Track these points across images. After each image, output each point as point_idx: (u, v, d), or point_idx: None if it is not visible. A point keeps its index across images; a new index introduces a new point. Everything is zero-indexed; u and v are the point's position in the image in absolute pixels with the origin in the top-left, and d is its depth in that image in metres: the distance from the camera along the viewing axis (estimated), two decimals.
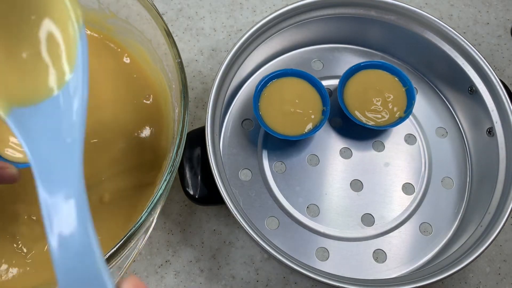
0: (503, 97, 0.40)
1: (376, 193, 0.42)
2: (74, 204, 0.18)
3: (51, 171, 0.19)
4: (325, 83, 0.46)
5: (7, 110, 0.19)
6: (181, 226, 0.42)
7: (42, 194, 0.18)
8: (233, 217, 0.35)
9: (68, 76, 0.21)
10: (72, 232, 0.18)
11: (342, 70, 0.45)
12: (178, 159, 0.33)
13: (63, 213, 0.18)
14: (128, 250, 0.31)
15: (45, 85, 0.20)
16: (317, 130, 0.41)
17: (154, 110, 0.40)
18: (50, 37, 0.21)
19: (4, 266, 0.34)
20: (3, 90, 0.20)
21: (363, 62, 0.45)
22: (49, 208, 0.18)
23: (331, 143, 0.44)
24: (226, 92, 0.42)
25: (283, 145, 0.43)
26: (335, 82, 0.45)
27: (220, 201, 0.35)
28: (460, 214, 0.42)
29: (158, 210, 0.33)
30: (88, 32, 0.42)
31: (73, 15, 0.21)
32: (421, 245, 0.40)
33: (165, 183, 0.31)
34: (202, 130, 0.38)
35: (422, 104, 0.46)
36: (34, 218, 0.36)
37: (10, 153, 0.32)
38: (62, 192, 0.18)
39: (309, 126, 0.42)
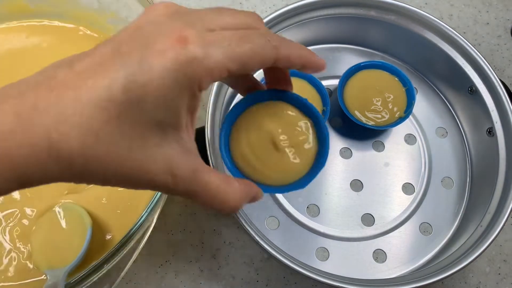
0: (503, 97, 0.40)
1: (376, 193, 0.42)
2: None
3: None
4: (325, 83, 0.46)
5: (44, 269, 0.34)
6: (181, 226, 0.42)
7: None
8: (233, 217, 0.35)
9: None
10: None
11: (342, 70, 0.45)
12: None
13: None
14: (128, 250, 0.31)
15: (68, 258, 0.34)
16: None
17: None
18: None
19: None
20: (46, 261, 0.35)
21: (363, 62, 0.45)
22: None
23: (331, 143, 0.44)
24: (226, 92, 0.42)
25: None
26: (335, 82, 0.45)
27: None
28: (460, 214, 0.42)
29: (158, 210, 0.33)
30: (88, 32, 0.42)
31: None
32: (421, 245, 0.40)
33: None
34: (202, 130, 0.38)
35: (422, 104, 0.46)
36: None
37: None
38: None
39: None
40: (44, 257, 0.35)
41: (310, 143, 0.27)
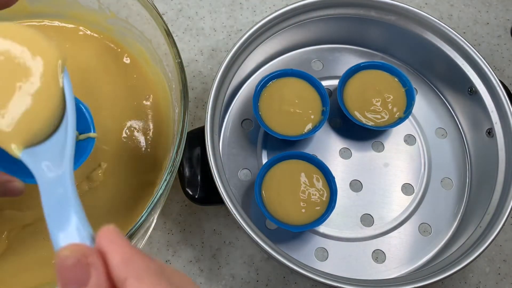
0: (503, 98, 0.40)
1: (375, 193, 0.42)
2: (70, 216, 0.22)
3: (52, 189, 0.23)
4: (325, 83, 0.46)
5: (19, 151, 0.24)
6: (181, 226, 0.42)
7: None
8: (233, 217, 0.35)
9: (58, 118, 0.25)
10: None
11: (342, 70, 0.45)
12: (178, 159, 0.33)
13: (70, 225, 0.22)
14: None
15: (45, 128, 0.25)
16: (317, 130, 0.41)
17: (154, 110, 0.40)
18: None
19: None
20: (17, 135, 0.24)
21: (363, 63, 0.45)
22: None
23: (331, 144, 0.44)
24: (226, 92, 0.42)
25: (283, 145, 0.43)
26: (335, 82, 0.45)
27: (220, 201, 0.35)
28: (459, 215, 0.42)
29: (158, 210, 0.34)
30: (88, 32, 0.42)
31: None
32: (421, 246, 0.40)
33: (165, 183, 0.31)
34: (202, 130, 0.38)
35: (421, 105, 0.46)
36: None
37: None
38: (61, 208, 0.22)
39: (309, 126, 0.42)
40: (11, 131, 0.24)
41: (323, 196, 0.39)
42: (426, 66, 0.46)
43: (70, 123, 0.25)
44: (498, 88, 0.41)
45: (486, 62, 0.41)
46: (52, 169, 0.23)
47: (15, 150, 0.24)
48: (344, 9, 0.45)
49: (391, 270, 0.39)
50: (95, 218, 0.36)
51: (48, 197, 0.22)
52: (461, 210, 0.42)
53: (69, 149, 0.24)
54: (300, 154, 0.40)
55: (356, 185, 0.42)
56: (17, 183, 0.29)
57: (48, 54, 0.25)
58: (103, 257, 0.19)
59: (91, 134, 0.31)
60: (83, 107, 0.30)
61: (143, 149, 0.39)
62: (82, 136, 0.30)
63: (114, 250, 0.19)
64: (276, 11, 0.42)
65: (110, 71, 0.40)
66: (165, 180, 0.31)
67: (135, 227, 0.30)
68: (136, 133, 0.39)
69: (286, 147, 0.43)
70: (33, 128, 0.24)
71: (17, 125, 0.23)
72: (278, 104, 0.42)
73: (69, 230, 0.21)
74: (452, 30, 0.42)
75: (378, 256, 0.40)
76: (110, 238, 0.20)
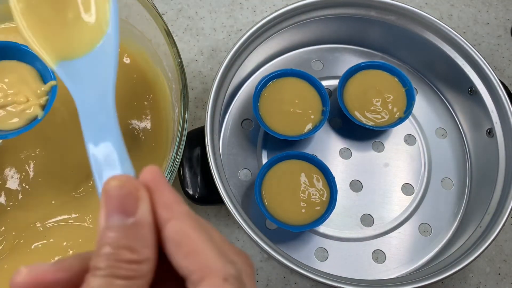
0: (503, 98, 0.40)
1: (375, 193, 0.42)
2: (112, 146, 0.21)
3: (93, 115, 0.22)
4: (325, 83, 0.46)
5: (54, 62, 0.24)
6: None
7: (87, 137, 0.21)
8: (233, 217, 0.35)
9: (104, 32, 0.25)
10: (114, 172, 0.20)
11: (342, 70, 0.45)
12: (178, 159, 0.33)
13: (106, 154, 0.21)
14: None
15: (87, 41, 0.24)
16: (317, 130, 0.41)
17: (154, 110, 0.40)
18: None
19: None
20: (52, 45, 0.24)
21: (363, 63, 0.45)
22: (93, 151, 0.21)
23: (331, 144, 0.44)
24: (226, 92, 0.42)
25: (283, 145, 0.43)
26: (335, 82, 0.45)
27: (220, 201, 0.35)
28: (459, 215, 0.42)
29: None
30: None
31: None
32: (421, 246, 0.40)
33: None
34: (201, 130, 0.38)
35: (422, 105, 0.46)
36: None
37: None
38: (102, 137, 0.21)
39: (309, 126, 0.42)
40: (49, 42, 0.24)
41: (324, 196, 0.39)
42: (426, 66, 0.46)
43: (114, 40, 0.24)
44: (498, 88, 0.41)
45: (486, 62, 0.41)
46: (93, 88, 0.22)
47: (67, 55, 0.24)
48: (344, 9, 0.45)
49: (391, 270, 0.39)
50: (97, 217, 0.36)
51: (88, 120, 0.22)
52: (461, 210, 0.42)
53: (112, 69, 0.23)
54: (300, 154, 0.40)
55: (356, 185, 0.42)
56: None
57: None
58: (150, 193, 0.19)
59: (52, 82, 0.31)
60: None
61: (143, 149, 0.38)
62: (47, 86, 0.31)
63: (160, 190, 0.19)
64: (276, 11, 0.42)
65: None
66: None
67: None
68: (135, 133, 0.39)
69: (286, 147, 0.43)
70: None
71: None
72: (278, 104, 0.42)
73: (112, 160, 0.20)
74: (452, 30, 0.42)
75: (378, 256, 0.40)
76: (156, 178, 0.19)
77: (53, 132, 0.37)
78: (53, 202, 0.36)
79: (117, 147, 0.21)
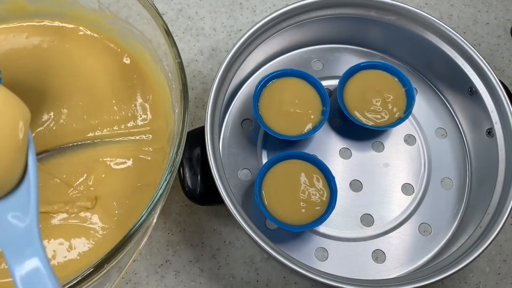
0: (503, 98, 0.40)
1: (375, 193, 0.42)
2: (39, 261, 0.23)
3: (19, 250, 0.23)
4: (325, 83, 0.46)
5: None
6: (181, 226, 0.42)
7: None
8: (233, 217, 0.35)
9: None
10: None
11: (342, 70, 0.45)
12: (178, 159, 0.33)
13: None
14: (128, 250, 0.31)
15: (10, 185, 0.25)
16: (317, 130, 0.41)
17: (154, 110, 0.40)
18: None
19: None
20: None
21: (363, 63, 0.45)
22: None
23: (331, 144, 0.44)
24: (226, 92, 0.42)
25: (283, 145, 0.43)
26: (335, 82, 0.45)
27: (220, 201, 0.35)
28: (459, 215, 0.42)
29: (158, 210, 0.33)
30: (88, 32, 0.42)
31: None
32: (421, 246, 0.40)
33: (165, 183, 0.31)
34: (201, 130, 0.38)
35: (421, 105, 0.46)
36: None
37: None
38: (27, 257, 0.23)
39: (309, 126, 0.42)
40: None
41: (324, 196, 0.39)
42: (426, 66, 0.47)
43: (33, 183, 0.25)
44: (498, 88, 0.41)
45: (486, 62, 0.41)
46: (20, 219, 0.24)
47: None
48: (344, 9, 0.45)
49: (391, 270, 0.39)
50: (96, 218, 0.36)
51: (14, 256, 0.23)
52: (461, 210, 0.42)
53: (33, 207, 0.24)
54: (300, 154, 0.40)
55: (356, 185, 0.42)
56: None
57: (7, 115, 0.24)
58: None
59: None
60: None
61: (143, 149, 0.39)
62: None
63: None
64: (276, 11, 0.42)
65: (110, 71, 0.40)
66: (165, 180, 0.31)
67: (135, 227, 0.30)
68: (135, 133, 0.39)
69: (286, 147, 0.43)
70: None
71: None
72: (278, 104, 0.42)
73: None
74: (452, 30, 0.43)
75: (378, 256, 0.40)
76: None
77: None
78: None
79: (44, 265, 0.23)
